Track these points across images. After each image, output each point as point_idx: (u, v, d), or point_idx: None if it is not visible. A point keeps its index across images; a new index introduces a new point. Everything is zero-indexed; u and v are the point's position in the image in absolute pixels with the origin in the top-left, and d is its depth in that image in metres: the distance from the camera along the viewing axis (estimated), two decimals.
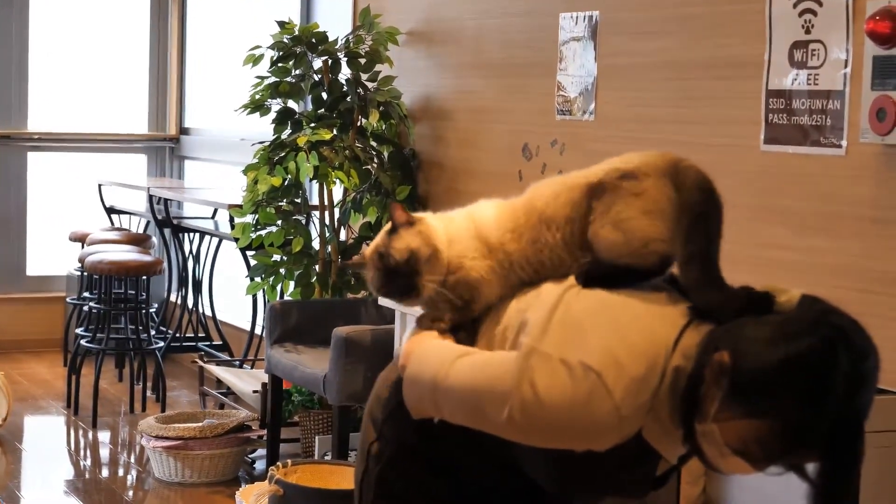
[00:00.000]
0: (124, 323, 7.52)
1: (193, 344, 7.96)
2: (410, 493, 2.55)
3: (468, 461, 2.51)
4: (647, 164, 2.38)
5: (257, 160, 6.19)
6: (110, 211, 8.81)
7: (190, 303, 8.11)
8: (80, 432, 7.07)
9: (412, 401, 2.44)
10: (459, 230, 2.52)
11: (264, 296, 6.66)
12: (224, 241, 7.95)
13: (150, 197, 8.00)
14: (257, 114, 6.40)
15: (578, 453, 2.28)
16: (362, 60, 6.35)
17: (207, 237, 8.13)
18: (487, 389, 2.29)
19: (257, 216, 6.22)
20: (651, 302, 2.29)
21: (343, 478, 5.08)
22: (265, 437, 6.09)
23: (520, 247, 2.47)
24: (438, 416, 2.41)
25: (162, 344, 7.70)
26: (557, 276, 2.43)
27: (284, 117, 6.39)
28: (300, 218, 6.36)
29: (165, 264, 7.74)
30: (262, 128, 6.71)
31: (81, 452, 6.86)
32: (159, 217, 8.03)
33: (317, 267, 6.32)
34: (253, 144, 6.40)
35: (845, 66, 4.17)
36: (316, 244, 6.36)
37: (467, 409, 2.34)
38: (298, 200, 6.32)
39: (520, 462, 2.43)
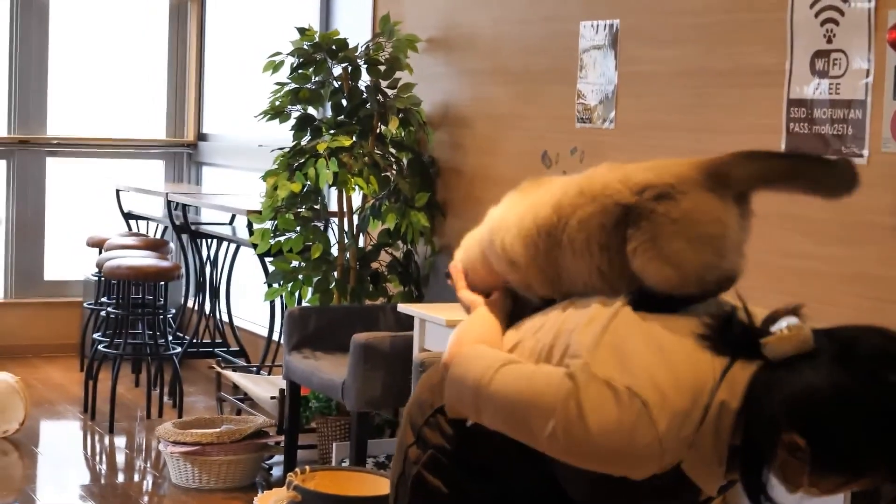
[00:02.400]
0: (142, 328, 7.53)
1: (210, 350, 7.96)
2: (446, 497, 2.54)
3: (505, 467, 2.50)
4: (681, 179, 2.28)
5: (277, 166, 6.19)
6: (128, 216, 8.83)
7: (207, 308, 8.12)
8: (97, 437, 7.07)
9: (451, 400, 2.43)
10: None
11: (282, 302, 6.67)
12: (241, 247, 7.96)
13: (169, 202, 8.01)
14: (276, 120, 6.41)
15: (616, 478, 2.24)
16: (382, 67, 6.36)
17: (225, 243, 8.14)
18: (532, 402, 2.25)
19: (276, 222, 6.23)
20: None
21: (361, 484, 5.08)
22: (282, 443, 6.09)
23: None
24: (477, 419, 2.39)
25: (179, 349, 7.70)
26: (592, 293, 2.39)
27: (304, 124, 6.40)
28: (319, 224, 6.37)
29: (183, 270, 7.75)
30: (280, 134, 6.71)
31: (98, 457, 6.87)
32: (177, 223, 8.04)
33: (335, 273, 6.33)
34: (272, 150, 6.41)
35: (867, 76, 4.17)
36: (335, 250, 6.37)
37: (509, 419, 2.31)
38: (317, 206, 6.33)
39: (557, 473, 2.42)
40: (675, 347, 2.20)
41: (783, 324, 2.13)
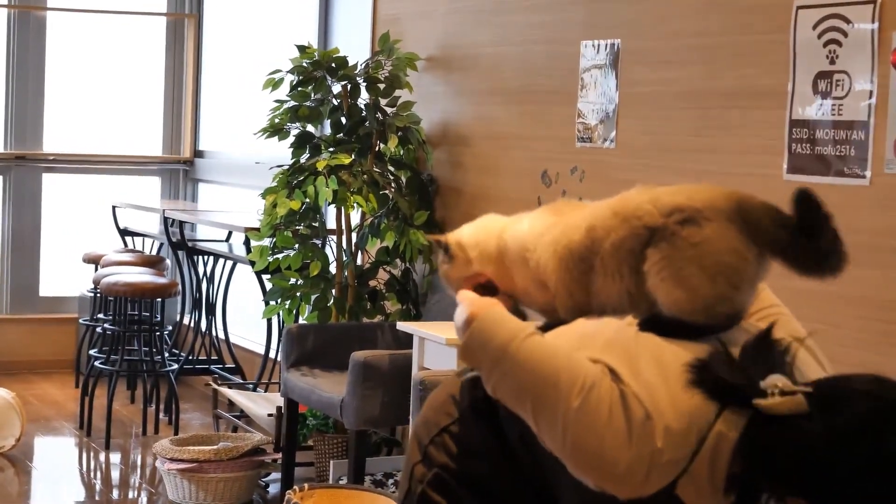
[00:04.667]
0: (138, 345, 7.52)
1: (206, 367, 7.95)
2: None
3: (507, 486, 2.50)
4: (710, 206, 2.28)
5: (276, 184, 6.19)
6: (124, 233, 8.82)
7: (203, 325, 8.11)
8: (92, 453, 7.06)
9: (470, 351, 2.39)
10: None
11: (279, 319, 6.66)
12: (237, 264, 7.96)
13: (165, 219, 8.01)
14: (274, 138, 6.42)
15: (608, 497, 2.23)
16: (381, 85, 6.36)
17: (221, 260, 8.14)
18: (559, 373, 2.24)
19: (275, 239, 6.23)
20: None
21: (359, 502, 5.06)
22: (280, 461, 6.08)
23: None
24: (488, 377, 2.37)
25: (175, 366, 7.69)
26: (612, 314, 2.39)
27: (303, 141, 6.40)
28: (317, 242, 6.37)
29: (179, 286, 7.74)
30: (277, 151, 6.72)
31: (93, 473, 6.86)
32: (174, 239, 8.03)
33: (334, 291, 6.32)
34: (271, 168, 6.41)
35: (870, 97, 4.18)
36: (333, 268, 6.36)
37: (528, 383, 2.28)
38: (316, 224, 6.33)
39: (555, 492, 2.42)
40: (677, 370, 2.19)
41: (775, 379, 2.12)
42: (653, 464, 2.15)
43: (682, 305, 2.27)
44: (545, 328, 2.47)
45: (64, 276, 9.11)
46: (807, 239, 2.25)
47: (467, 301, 2.47)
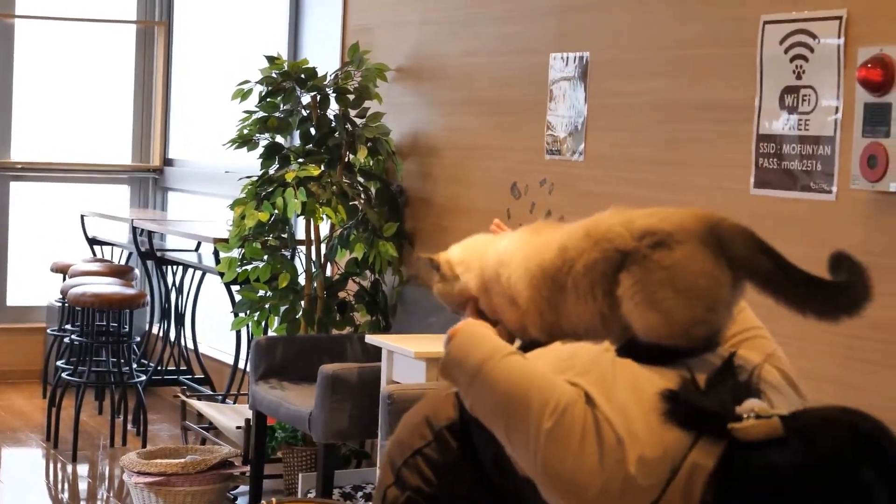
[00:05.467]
0: (105, 355, 7.49)
1: (175, 377, 7.92)
2: None
3: None
4: (681, 228, 2.26)
5: (244, 195, 6.17)
6: (92, 242, 8.78)
7: (172, 336, 8.08)
8: (59, 465, 7.02)
9: (448, 367, 2.41)
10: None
11: (248, 331, 6.63)
12: (207, 274, 7.93)
13: (134, 229, 7.98)
14: (243, 148, 6.39)
15: None
16: (351, 96, 6.35)
17: (190, 270, 8.11)
18: (533, 392, 2.24)
19: (244, 251, 6.20)
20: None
21: None
22: (248, 474, 6.05)
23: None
24: (465, 393, 2.37)
25: (143, 377, 7.66)
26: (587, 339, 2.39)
27: (272, 152, 6.38)
28: (286, 253, 6.35)
29: (148, 297, 7.71)
30: (247, 161, 6.70)
31: (60, 486, 6.82)
32: (142, 249, 8.00)
33: (302, 302, 6.31)
34: (240, 179, 6.39)
35: (836, 112, 4.18)
36: (302, 280, 6.35)
37: (503, 400, 2.28)
38: (285, 235, 6.31)
39: None
40: (652, 397, 2.18)
41: (752, 404, 2.11)
42: (625, 490, 2.14)
43: (657, 330, 2.26)
44: (524, 349, 2.47)
45: (32, 285, 9.06)
46: (843, 297, 2.23)
47: (463, 321, 2.47)
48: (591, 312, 2.35)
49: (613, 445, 2.15)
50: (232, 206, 6.21)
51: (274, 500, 5.11)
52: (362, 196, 6.31)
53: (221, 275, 6.38)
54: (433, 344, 5.07)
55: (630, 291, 2.27)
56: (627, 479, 2.14)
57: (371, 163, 6.35)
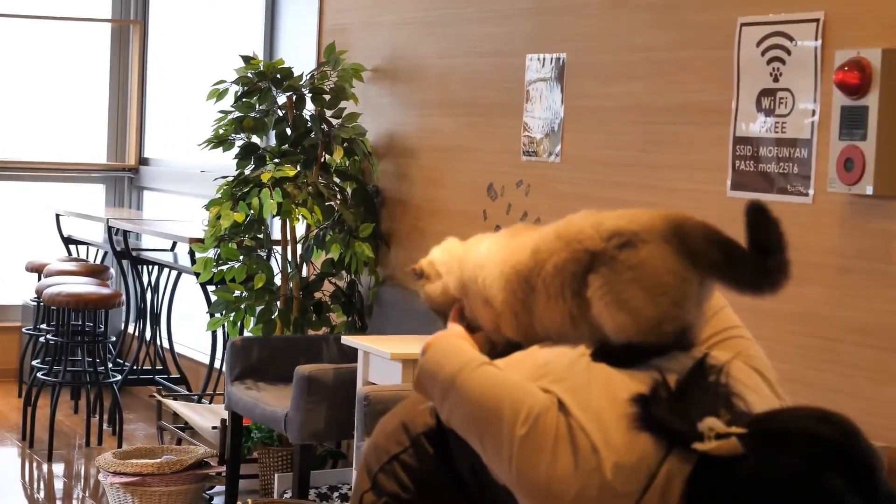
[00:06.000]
0: (81, 355, 7.46)
1: (151, 377, 7.90)
2: None
3: None
4: (647, 228, 2.28)
5: (220, 195, 6.15)
6: (68, 241, 8.75)
7: (148, 335, 8.06)
8: (35, 465, 7.00)
9: (422, 380, 2.41)
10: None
11: (224, 331, 6.62)
12: (183, 274, 7.91)
13: (109, 228, 7.95)
14: (218, 148, 6.38)
15: None
16: (327, 97, 6.34)
17: (166, 269, 8.09)
18: (505, 402, 2.25)
19: (219, 251, 6.19)
20: None
21: None
22: (224, 474, 6.04)
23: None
24: (440, 405, 2.38)
25: (119, 377, 7.64)
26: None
27: (248, 152, 6.37)
28: (262, 253, 6.34)
29: (123, 296, 7.69)
30: (223, 160, 6.68)
31: (35, 485, 6.80)
32: (118, 248, 7.98)
33: (278, 303, 6.30)
34: (216, 179, 6.37)
35: (813, 115, 4.19)
36: (278, 280, 6.33)
37: (476, 411, 2.29)
38: (261, 236, 6.29)
39: None
40: (626, 403, 2.18)
41: (710, 422, 2.10)
42: (602, 498, 2.14)
43: (627, 329, 2.27)
44: (503, 353, 2.48)
45: (7, 284, 9.02)
46: (759, 255, 2.23)
47: (437, 333, 2.47)
48: (560, 314, 2.37)
49: (588, 453, 2.15)
50: (207, 207, 6.19)
51: (250, 500, 5.11)
52: (338, 196, 6.30)
53: (197, 275, 6.36)
54: (409, 345, 5.07)
55: (599, 293, 2.29)
56: (604, 486, 2.13)
57: (347, 163, 6.34)
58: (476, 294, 2.51)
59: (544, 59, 5.39)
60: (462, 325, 2.55)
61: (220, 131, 6.34)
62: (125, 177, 9.47)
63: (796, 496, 2.01)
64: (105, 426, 7.50)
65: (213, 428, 6.21)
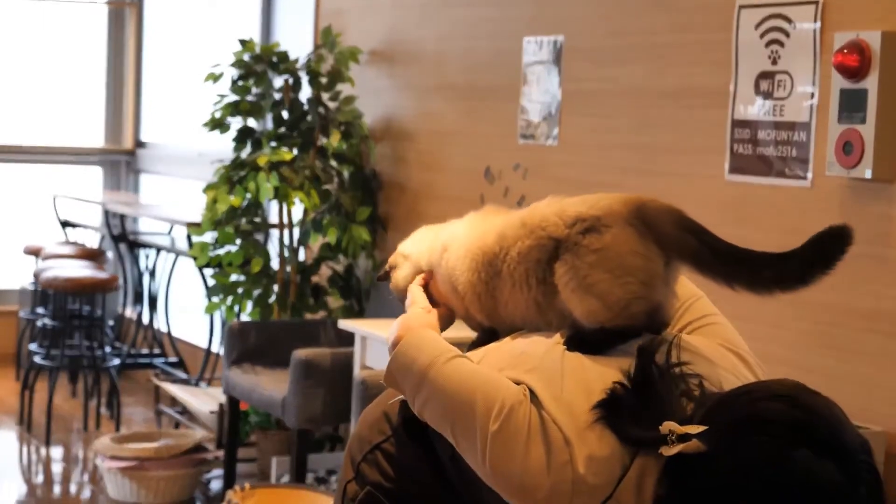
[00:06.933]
0: (79, 339, 7.45)
1: (149, 360, 7.89)
2: None
3: None
4: (608, 212, 2.29)
5: (217, 179, 6.14)
6: (65, 224, 8.73)
7: (145, 319, 8.05)
8: (33, 449, 6.99)
9: (394, 373, 2.40)
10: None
11: (222, 315, 6.61)
12: (180, 257, 7.90)
13: (106, 212, 7.93)
14: (216, 131, 6.36)
15: None
16: (323, 80, 6.32)
17: (163, 253, 8.07)
18: (480, 394, 2.23)
19: (216, 235, 6.18)
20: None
21: (301, 502, 5.04)
22: (222, 458, 6.04)
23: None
24: (412, 399, 2.36)
25: (117, 361, 7.63)
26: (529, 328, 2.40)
27: (244, 136, 6.35)
28: (259, 237, 6.32)
29: (121, 280, 7.67)
30: (220, 143, 6.67)
31: (34, 469, 6.79)
32: (115, 232, 7.96)
33: (276, 287, 6.28)
34: (212, 162, 6.36)
35: (812, 98, 4.17)
36: (275, 264, 6.32)
37: (450, 403, 2.27)
38: (258, 220, 6.28)
39: None
40: (601, 394, 2.17)
41: (668, 426, 2.09)
42: (576, 491, 2.13)
43: (596, 314, 2.27)
44: (481, 341, 2.47)
45: (4, 268, 9.01)
46: (805, 266, 2.23)
47: (400, 319, 2.45)
48: (525, 300, 2.38)
49: (561, 446, 2.14)
50: (205, 191, 6.18)
51: (247, 484, 5.10)
52: (335, 180, 6.28)
53: (194, 259, 6.35)
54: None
55: (565, 279, 2.29)
56: (577, 479, 2.13)
57: (344, 147, 6.33)
58: (443, 276, 2.52)
59: (542, 42, 5.37)
60: (426, 294, 2.56)
61: (217, 114, 6.32)
62: (122, 160, 9.45)
63: (767, 476, 2.01)
64: (103, 410, 7.49)
65: (211, 412, 6.20)
